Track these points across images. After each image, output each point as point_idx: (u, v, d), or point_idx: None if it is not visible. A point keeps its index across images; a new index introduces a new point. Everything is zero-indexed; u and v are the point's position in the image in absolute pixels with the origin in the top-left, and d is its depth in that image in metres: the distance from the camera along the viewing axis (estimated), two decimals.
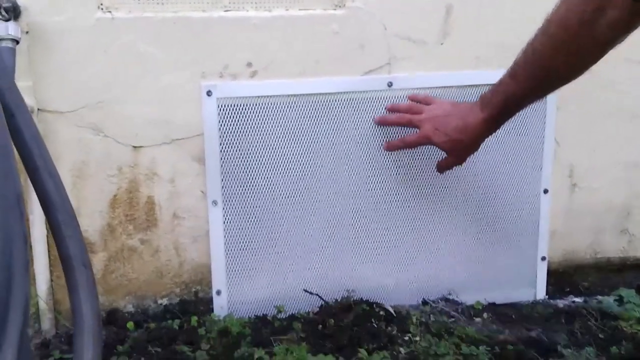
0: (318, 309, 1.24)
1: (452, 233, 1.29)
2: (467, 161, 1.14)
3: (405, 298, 1.29)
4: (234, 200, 1.20)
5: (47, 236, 1.15)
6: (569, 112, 1.31)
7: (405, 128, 1.18)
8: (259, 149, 1.19)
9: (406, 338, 1.15)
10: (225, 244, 1.21)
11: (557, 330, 1.21)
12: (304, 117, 1.20)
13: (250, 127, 1.18)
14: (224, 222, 1.20)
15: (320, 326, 1.17)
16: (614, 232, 1.42)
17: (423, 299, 1.30)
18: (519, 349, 1.12)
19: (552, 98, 1.28)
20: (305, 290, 1.25)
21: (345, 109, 1.21)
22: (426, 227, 1.28)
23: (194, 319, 1.19)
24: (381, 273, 1.28)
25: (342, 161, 1.22)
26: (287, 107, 1.19)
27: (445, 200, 1.28)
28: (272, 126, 1.19)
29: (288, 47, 1.19)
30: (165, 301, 1.26)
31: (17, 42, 1.04)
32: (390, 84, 1.21)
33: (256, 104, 1.18)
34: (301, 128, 1.20)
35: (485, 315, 1.26)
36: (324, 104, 1.20)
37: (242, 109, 1.17)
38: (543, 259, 1.34)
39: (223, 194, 1.19)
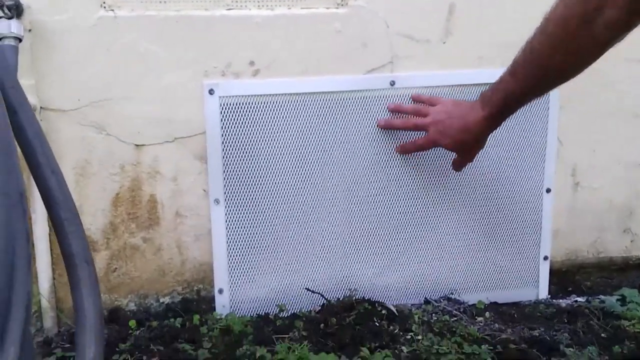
0: (320, 308, 1.24)
1: (455, 232, 1.29)
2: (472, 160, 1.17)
3: (407, 297, 1.29)
4: (236, 199, 1.20)
5: (50, 234, 1.16)
6: (572, 111, 1.31)
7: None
8: (261, 147, 1.19)
9: (408, 337, 1.15)
10: (227, 242, 1.21)
11: (559, 329, 1.20)
12: (306, 116, 1.19)
13: (253, 126, 1.18)
14: (226, 221, 1.20)
15: (322, 325, 1.17)
16: (617, 231, 1.42)
17: (425, 298, 1.30)
18: (521, 348, 1.11)
19: (555, 97, 1.27)
20: (308, 289, 1.24)
21: (348, 107, 1.20)
22: (428, 226, 1.28)
23: (196, 317, 1.19)
24: (383, 272, 1.28)
25: (344, 160, 1.22)
26: (290, 105, 1.19)
27: (447, 199, 1.28)
28: (274, 125, 1.19)
29: (290, 46, 1.19)
30: (167, 300, 1.26)
31: (20, 40, 1.04)
32: (392, 83, 1.21)
33: (258, 103, 1.18)
34: (303, 127, 1.20)
35: (487, 314, 1.26)
36: (327, 102, 1.20)
37: (245, 107, 1.17)
38: (545, 258, 1.34)
39: (225, 193, 1.19)
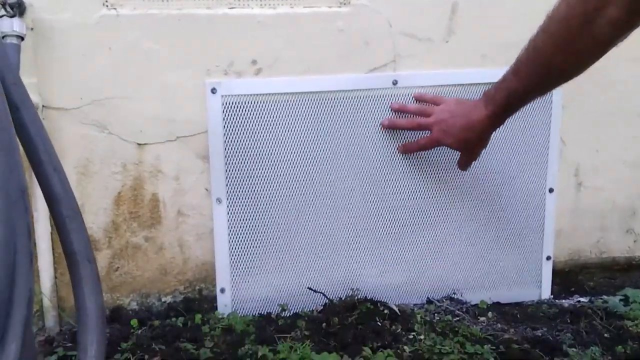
0: (322, 307, 1.24)
1: (457, 232, 1.29)
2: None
3: (409, 297, 1.29)
4: (238, 198, 1.20)
5: (52, 233, 1.16)
6: (575, 110, 1.31)
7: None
8: (264, 146, 1.19)
9: (410, 337, 1.14)
10: (229, 241, 1.21)
11: (562, 329, 1.20)
12: (308, 115, 1.19)
13: (255, 125, 1.18)
14: (228, 220, 1.20)
15: (325, 324, 1.16)
16: (620, 231, 1.42)
17: (427, 297, 1.30)
18: (524, 348, 1.11)
19: (558, 96, 1.27)
20: (310, 289, 1.24)
21: (350, 107, 1.20)
22: (431, 225, 1.28)
23: (198, 316, 1.19)
24: (385, 272, 1.28)
25: (346, 159, 1.22)
26: (292, 105, 1.19)
27: (450, 199, 1.27)
28: (276, 124, 1.19)
29: (293, 45, 1.18)
30: (169, 299, 1.26)
31: (22, 38, 1.05)
32: (395, 82, 1.21)
33: (261, 102, 1.18)
34: (306, 126, 1.19)
35: (490, 314, 1.26)
36: (329, 101, 1.19)
37: (247, 106, 1.17)
38: (548, 258, 1.34)
39: (227, 192, 1.19)
